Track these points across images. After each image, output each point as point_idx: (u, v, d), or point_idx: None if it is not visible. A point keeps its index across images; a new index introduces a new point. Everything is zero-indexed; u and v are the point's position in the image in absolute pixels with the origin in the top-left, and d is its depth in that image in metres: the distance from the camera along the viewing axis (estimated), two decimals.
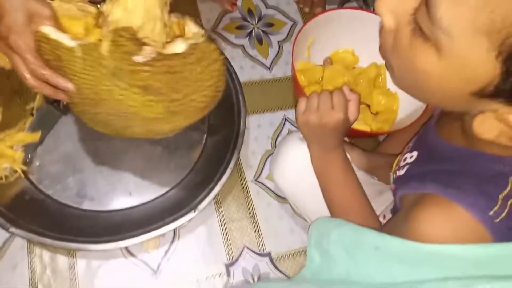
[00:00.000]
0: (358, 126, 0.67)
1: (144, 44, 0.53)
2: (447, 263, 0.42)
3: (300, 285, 0.57)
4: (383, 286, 0.45)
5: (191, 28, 0.59)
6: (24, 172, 0.73)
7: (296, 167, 0.72)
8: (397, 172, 0.58)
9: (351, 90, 0.66)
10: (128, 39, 0.52)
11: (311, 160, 0.68)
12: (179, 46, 0.55)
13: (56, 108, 0.77)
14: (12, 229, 0.65)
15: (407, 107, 0.87)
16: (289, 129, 0.92)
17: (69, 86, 0.54)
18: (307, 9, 1.08)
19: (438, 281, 0.41)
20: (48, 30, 0.53)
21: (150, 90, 0.54)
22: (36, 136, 0.75)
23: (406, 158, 0.57)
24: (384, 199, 0.72)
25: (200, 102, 0.57)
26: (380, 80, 0.93)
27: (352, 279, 0.49)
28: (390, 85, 0.92)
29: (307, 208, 0.75)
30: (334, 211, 0.66)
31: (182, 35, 0.59)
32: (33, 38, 0.52)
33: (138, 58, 0.52)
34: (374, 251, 0.47)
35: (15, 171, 0.72)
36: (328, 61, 0.93)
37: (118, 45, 0.52)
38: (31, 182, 0.74)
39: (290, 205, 0.84)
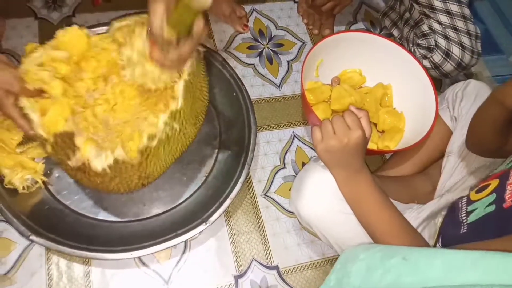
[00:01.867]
0: None
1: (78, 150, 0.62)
2: None
3: None
4: None
5: None
6: (44, 183, 0.76)
7: (324, 197, 0.69)
8: None
9: (358, 108, 0.68)
10: (68, 144, 0.62)
11: (338, 186, 0.67)
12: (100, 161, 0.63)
13: None
14: (32, 237, 0.68)
15: (413, 127, 0.89)
16: (297, 145, 0.95)
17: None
18: (316, 31, 1.12)
19: None
20: (24, 104, 0.62)
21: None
22: None
23: None
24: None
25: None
26: (386, 99, 0.95)
27: None
28: (396, 104, 0.95)
29: (340, 237, 0.71)
30: (378, 236, 0.64)
31: None
32: (12, 107, 0.62)
33: (72, 162, 0.62)
34: (401, 260, 0.49)
35: (36, 182, 0.75)
36: (336, 81, 0.97)
37: (59, 149, 0.63)
38: (51, 193, 0.78)
39: (298, 220, 0.87)
